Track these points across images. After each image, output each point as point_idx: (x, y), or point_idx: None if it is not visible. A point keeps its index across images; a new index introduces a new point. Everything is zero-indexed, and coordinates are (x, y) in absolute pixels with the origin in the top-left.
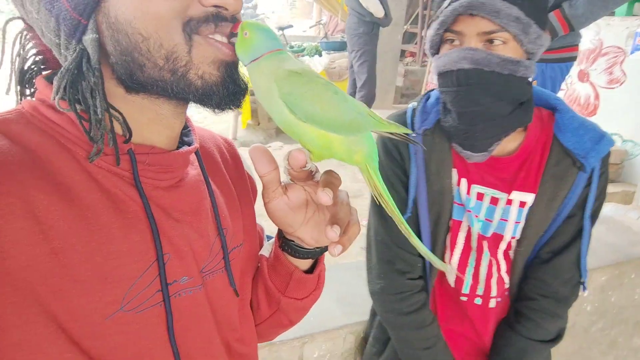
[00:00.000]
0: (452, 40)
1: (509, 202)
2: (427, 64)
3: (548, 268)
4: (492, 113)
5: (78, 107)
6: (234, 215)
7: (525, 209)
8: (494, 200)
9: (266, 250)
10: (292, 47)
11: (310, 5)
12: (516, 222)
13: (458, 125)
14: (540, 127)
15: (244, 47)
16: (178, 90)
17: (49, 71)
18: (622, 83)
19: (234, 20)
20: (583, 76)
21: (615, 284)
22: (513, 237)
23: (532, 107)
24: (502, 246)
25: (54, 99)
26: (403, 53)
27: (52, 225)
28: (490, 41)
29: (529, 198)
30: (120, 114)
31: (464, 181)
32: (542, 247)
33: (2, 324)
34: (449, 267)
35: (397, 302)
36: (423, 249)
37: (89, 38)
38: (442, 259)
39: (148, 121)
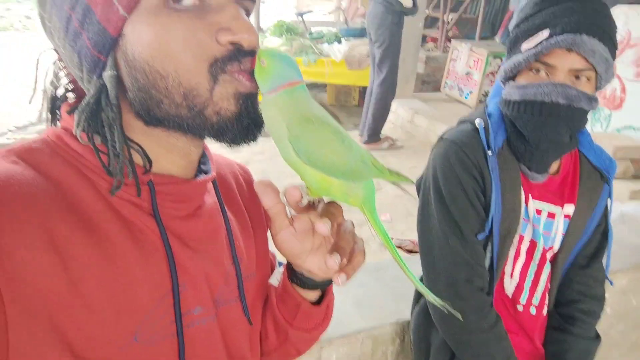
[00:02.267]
0: (538, 71)
1: (552, 215)
2: (449, 49)
3: (587, 272)
4: (561, 141)
5: (98, 138)
6: (248, 243)
7: (568, 220)
8: (551, 215)
9: (275, 279)
10: (311, 33)
11: None
12: (562, 234)
13: (533, 151)
14: None
15: (261, 76)
16: (194, 126)
17: (74, 100)
18: None
19: (253, 53)
20: None
21: (636, 287)
22: (551, 247)
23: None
24: (548, 256)
25: (76, 132)
26: (424, 38)
27: (72, 255)
28: (577, 77)
29: (572, 210)
30: (140, 146)
31: (530, 197)
32: (579, 253)
33: (19, 351)
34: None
35: (480, 320)
36: (418, 283)
37: (108, 74)
38: (503, 270)
39: (166, 151)
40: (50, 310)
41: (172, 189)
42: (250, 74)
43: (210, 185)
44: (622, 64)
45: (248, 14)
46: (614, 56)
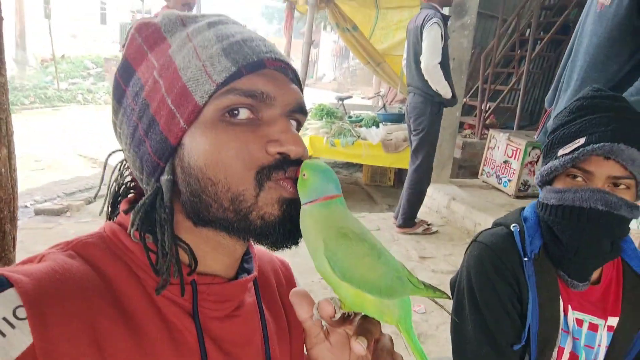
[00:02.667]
0: (575, 177)
1: (594, 327)
2: (486, 137)
3: None
4: (601, 249)
5: (150, 238)
6: (283, 346)
7: (612, 333)
8: (593, 327)
9: None
10: (350, 117)
11: (370, 73)
12: (606, 347)
13: (572, 258)
14: None
15: (302, 188)
16: (239, 229)
17: (132, 195)
18: None
19: (300, 162)
20: None
21: None
22: None
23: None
24: None
25: (129, 230)
26: (461, 124)
27: (112, 353)
28: (616, 184)
29: (615, 322)
30: (188, 245)
31: (569, 308)
32: None
33: None
34: None
35: None
36: None
37: (165, 178)
38: None
39: (212, 249)
40: None
41: (214, 289)
42: (295, 181)
43: (250, 285)
44: None
45: (300, 125)
46: None
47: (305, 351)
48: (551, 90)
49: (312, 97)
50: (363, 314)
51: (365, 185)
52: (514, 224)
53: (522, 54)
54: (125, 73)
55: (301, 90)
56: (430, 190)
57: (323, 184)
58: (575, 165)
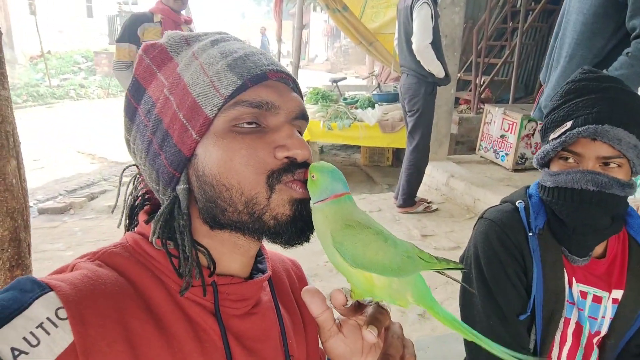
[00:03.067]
0: (567, 159)
1: (599, 299)
2: (482, 111)
3: None
4: (599, 226)
5: (171, 244)
6: (299, 340)
7: (617, 305)
8: (597, 299)
9: None
10: (345, 99)
11: (363, 52)
12: (610, 318)
13: (571, 235)
14: None
15: (311, 188)
16: (253, 230)
17: (148, 206)
18: None
19: (307, 164)
20: None
21: None
22: (599, 332)
23: (622, 217)
24: (595, 340)
25: (152, 239)
26: (457, 100)
27: (144, 351)
28: (607, 164)
29: (620, 295)
30: (206, 249)
31: (573, 280)
32: (630, 341)
33: None
34: None
35: None
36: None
37: (181, 188)
38: (550, 355)
39: (228, 250)
40: None
41: (233, 289)
42: (303, 182)
43: (265, 283)
44: None
45: (301, 132)
46: None
47: (320, 345)
48: (544, 67)
49: (306, 79)
50: (373, 304)
51: (364, 166)
52: (519, 201)
53: (514, 26)
54: (136, 92)
55: (301, 97)
56: (428, 169)
57: (331, 184)
58: (565, 148)
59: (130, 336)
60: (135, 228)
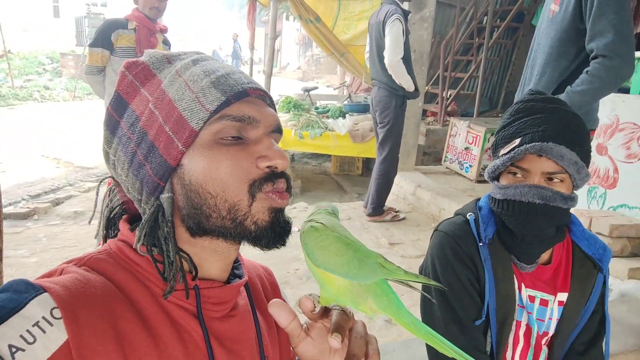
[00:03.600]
0: (515, 173)
1: (545, 302)
2: (448, 123)
3: (585, 359)
4: (545, 236)
5: (155, 250)
6: (273, 342)
7: (562, 307)
8: (544, 302)
9: None
10: (317, 108)
11: (335, 62)
12: (557, 320)
13: (519, 244)
14: None
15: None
16: (235, 235)
17: (128, 215)
18: None
19: (284, 174)
20: (601, 149)
21: None
22: (547, 332)
23: (564, 226)
24: (544, 340)
25: (136, 246)
26: (424, 112)
27: (132, 350)
28: (550, 179)
29: (565, 297)
30: (188, 255)
31: (522, 285)
32: (575, 340)
33: None
34: None
35: None
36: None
37: (165, 196)
38: (505, 356)
39: (208, 257)
40: None
41: (214, 292)
42: (282, 192)
43: (242, 288)
44: (613, 147)
45: (276, 143)
46: (585, 158)
47: (291, 348)
48: (519, 86)
49: (278, 88)
50: (338, 309)
51: (335, 175)
52: (470, 213)
53: (480, 42)
54: (119, 106)
55: (275, 111)
56: (397, 179)
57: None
58: (513, 164)
59: (120, 336)
60: (118, 235)
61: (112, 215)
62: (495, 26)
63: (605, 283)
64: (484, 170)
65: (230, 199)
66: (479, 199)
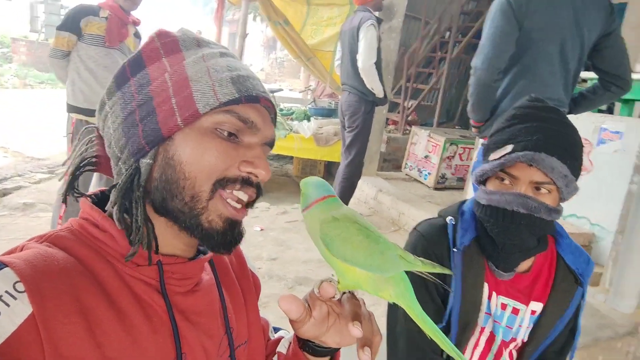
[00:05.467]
0: (503, 179)
1: (532, 312)
2: (408, 132)
3: None
4: (526, 245)
5: (126, 217)
6: (239, 314)
7: (535, 316)
8: (515, 311)
9: (283, 347)
10: (281, 110)
11: (298, 66)
12: (527, 327)
13: (499, 252)
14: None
15: (302, 200)
16: (189, 225)
17: (92, 194)
18: (589, 172)
19: (258, 187)
20: None
21: None
22: (523, 340)
23: (547, 237)
24: (511, 346)
25: (112, 207)
26: (386, 121)
27: (97, 322)
28: (538, 189)
29: (539, 307)
30: (152, 226)
31: (493, 294)
32: (547, 348)
33: None
34: None
35: None
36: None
37: (145, 162)
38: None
39: (171, 237)
40: None
41: (177, 268)
42: (242, 204)
43: (207, 264)
44: None
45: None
46: (576, 172)
47: (262, 314)
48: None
49: None
50: (347, 293)
51: (296, 177)
52: (450, 217)
53: (442, 56)
54: (136, 66)
55: (275, 127)
56: (359, 183)
57: (314, 191)
58: (503, 170)
59: (84, 309)
60: (79, 214)
61: (82, 165)
62: (458, 41)
63: (583, 296)
64: (442, 178)
65: (197, 187)
66: (464, 202)
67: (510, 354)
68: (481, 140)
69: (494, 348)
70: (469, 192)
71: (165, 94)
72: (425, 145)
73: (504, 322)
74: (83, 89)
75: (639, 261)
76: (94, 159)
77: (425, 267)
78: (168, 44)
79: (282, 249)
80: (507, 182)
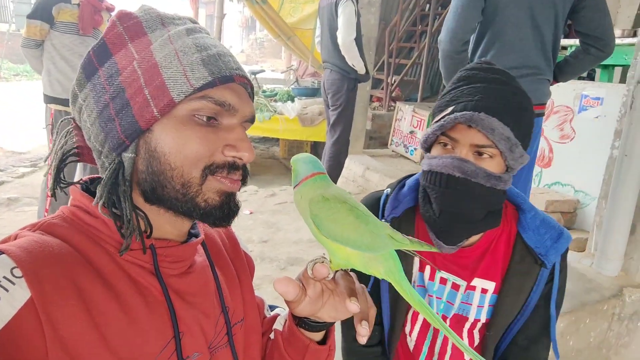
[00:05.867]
0: (446, 144)
1: (472, 288)
2: (393, 108)
3: (527, 353)
4: (468, 216)
5: (114, 210)
6: (234, 293)
7: (488, 295)
8: (455, 286)
9: (279, 324)
10: (264, 91)
11: (279, 45)
12: (479, 306)
13: (437, 220)
14: (504, 221)
15: (293, 176)
16: (185, 210)
17: (81, 181)
18: (572, 139)
19: (244, 168)
20: None
21: (572, 330)
22: (477, 320)
23: (501, 213)
24: (467, 326)
25: (97, 204)
26: (370, 98)
27: (94, 304)
28: (480, 153)
29: (490, 286)
30: (145, 214)
31: (427, 267)
32: (517, 334)
33: None
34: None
35: None
36: (463, 345)
37: (127, 156)
38: (403, 331)
39: (164, 222)
40: (78, 350)
41: (169, 251)
42: (235, 180)
43: (199, 246)
44: (549, 128)
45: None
46: (522, 137)
47: (257, 293)
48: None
49: None
50: (340, 271)
51: (283, 159)
52: (387, 189)
53: (422, 29)
54: (102, 54)
55: (253, 100)
56: (346, 161)
57: (304, 168)
58: (444, 133)
59: (81, 292)
60: (70, 202)
61: (65, 157)
62: (438, 14)
63: (553, 279)
64: None
65: (186, 175)
66: (412, 175)
67: (471, 335)
68: None
69: (420, 319)
70: None
71: (136, 84)
72: (410, 121)
73: (444, 297)
74: (59, 78)
75: (622, 225)
76: (75, 150)
77: (413, 245)
78: (131, 28)
79: (272, 230)
80: (449, 146)
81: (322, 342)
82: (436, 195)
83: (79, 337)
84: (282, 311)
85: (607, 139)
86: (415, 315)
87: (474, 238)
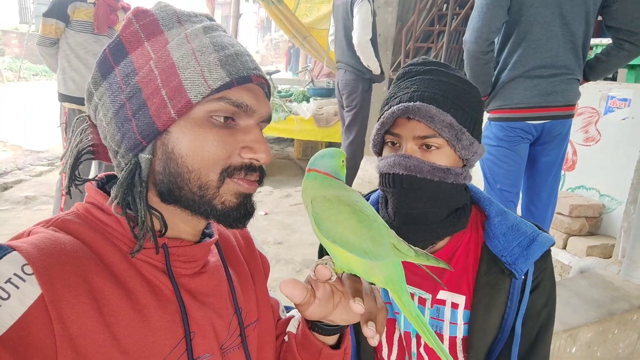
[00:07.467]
0: (393, 143)
1: (441, 302)
2: None
3: None
4: (425, 218)
5: (128, 211)
6: (248, 294)
7: (460, 311)
8: (422, 300)
9: (293, 326)
10: (280, 92)
11: (295, 46)
12: (451, 323)
13: (393, 223)
14: (471, 228)
15: (320, 159)
16: (202, 211)
17: (96, 178)
18: (597, 141)
19: (261, 169)
20: None
21: (599, 340)
22: (454, 337)
23: (468, 214)
24: (445, 344)
25: (111, 203)
26: None
27: (105, 303)
28: (428, 146)
29: (460, 300)
30: (160, 213)
31: None
32: (503, 353)
33: None
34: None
35: None
36: (440, 347)
37: (145, 157)
38: (380, 354)
39: (178, 221)
40: (87, 348)
41: (182, 251)
42: (252, 182)
43: (213, 246)
44: (573, 130)
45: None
46: (467, 123)
47: (271, 294)
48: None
49: None
50: (347, 278)
51: (298, 160)
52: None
53: (440, 29)
54: (118, 53)
55: (270, 100)
56: (362, 163)
57: (315, 160)
58: (388, 131)
59: (92, 290)
60: (85, 198)
61: (80, 155)
62: (456, 14)
63: (524, 290)
64: None
65: (203, 177)
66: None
67: (455, 356)
68: (487, 115)
69: (396, 336)
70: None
71: (153, 85)
72: None
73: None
74: (74, 77)
75: None
76: (90, 148)
77: (418, 258)
78: (148, 26)
79: (287, 232)
80: (397, 144)
81: (337, 345)
82: (390, 197)
83: (88, 335)
84: (298, 313)
85: (635, 141)
86: (390, 336)
87: (439, 244)
